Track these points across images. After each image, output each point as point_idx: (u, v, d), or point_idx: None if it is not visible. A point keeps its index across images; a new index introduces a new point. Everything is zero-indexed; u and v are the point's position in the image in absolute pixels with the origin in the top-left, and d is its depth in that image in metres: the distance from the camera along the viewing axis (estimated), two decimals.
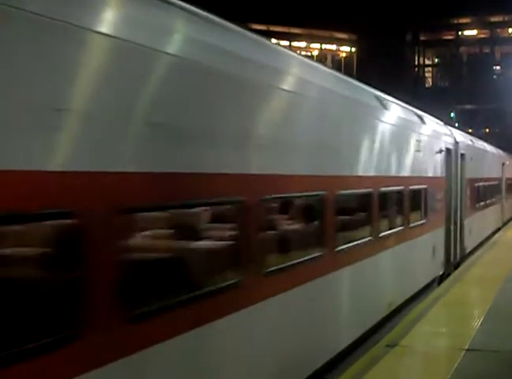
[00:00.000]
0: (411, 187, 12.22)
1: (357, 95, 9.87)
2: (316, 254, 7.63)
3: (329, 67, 11.44)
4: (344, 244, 8.62)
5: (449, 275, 15.71)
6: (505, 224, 30.39)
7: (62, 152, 3.78)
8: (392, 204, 11.38)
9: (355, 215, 9.70)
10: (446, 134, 16.58)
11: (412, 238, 12.50)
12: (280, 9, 56.99)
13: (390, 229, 11.01)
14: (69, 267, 3.82)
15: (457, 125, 44.00)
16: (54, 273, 3.82)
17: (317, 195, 7.76)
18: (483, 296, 12.55)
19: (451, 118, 59.55)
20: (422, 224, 13.36)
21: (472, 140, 22.12)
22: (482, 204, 23.09)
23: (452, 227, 16.97)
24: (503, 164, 30.34)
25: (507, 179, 31.81)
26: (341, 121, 8.78)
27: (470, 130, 50.08)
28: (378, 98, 10.84)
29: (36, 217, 3.60)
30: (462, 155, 18.23)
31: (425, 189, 13.51)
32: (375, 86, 11.49)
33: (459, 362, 8.22)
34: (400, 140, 11.91)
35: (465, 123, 57.93)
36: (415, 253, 12.91)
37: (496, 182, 27.58)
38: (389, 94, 12.16)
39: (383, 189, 10.35)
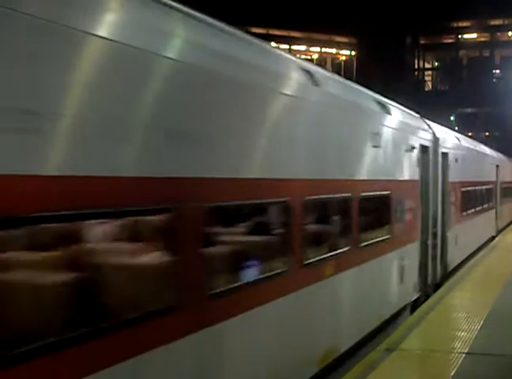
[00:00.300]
0: (364, 194, 9.36)
1: (262, 62, 6.76)
2: (168, 305, 4.78)
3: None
4: (233, 282, 5.80)
5: (427, 298, 13.08)
6: (500, 232, 28.34)
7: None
8: (328, 218, 8.61)
9: (256, 238, 6.58)
10: (420, 129, 13.60)
11: (365, 262, 9.48)
12: (280, 13, 57.02)
13: (325, 253, 8.07)
14: None
15: (457, 128, 44.14)
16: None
17: (161, 209, 4.81)
18: (482, 300, 12.53)
19: (451, 121, 59.60)
20: (383, 241, 10.42)
21: (458, 138, 19.46)
22: (471, 211, 20.33)
23: (430, 241, 14.04)
24: (497, 166, 28.16)
25: (502, 183, 29.62)
26: (229, 97, 5.86)
27: (470, 134, 50.22)
28: (306, 71, 7.89)
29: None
30: (445, 154, 15.72)
31: (388, 195, 10.70)
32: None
33: (459, 366, 8.21)
34: (344, 132, 8.94)
35: (465, 126, 58.03)
36: (368, 281, 9.75)
37: (489, 186, 25.27)
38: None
39: (312, 197, 7.54)
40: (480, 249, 21.69)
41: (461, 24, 69.46)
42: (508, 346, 9.12)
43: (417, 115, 14.02)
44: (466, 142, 21.62)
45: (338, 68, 66.00)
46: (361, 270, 9.28)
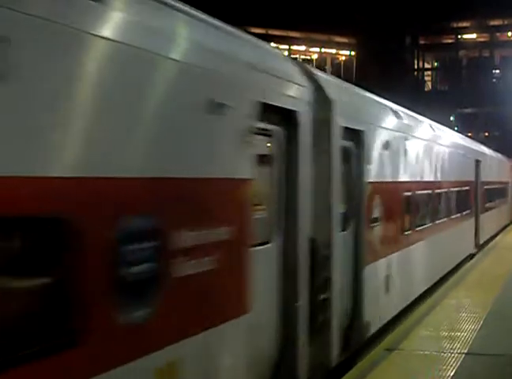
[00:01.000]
0: None
1: None
2: None
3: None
4: None
5: None
6: (481, 247, 21.80)
7: None
8: None
9: None
10: (271, 74, 6.53)
11: None
12: (280, 13, 57.07)
13: None
14: None
15: (456, 128, 44.20)
16: None
17: None
18: (481, 300, 12.53)
19: (451, 121, 59.68)
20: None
21: (393, 110, 11.89)
22: (427, 226, 13.95)
23: (304, 300, 7.10)
24: (478, 162, 21.59)
25: (485, 184, 23.16)
26: None
27: (470, 134, 50.28)
28: None
29: None
30: (354, 132, 9.14)
31: (94, 224, 3.79)
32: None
33: (458, 366, 8.22)
34: None
35: (465, 127, 58.11)
36: None
37: (464, 188, 19.01)
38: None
39: None
40: (444, 278, 15.41)
41: (460, 25, 69.54)
42: (507, 346, 9.13)
43: (267, 45, 7.90)
44: (413, 121, 13.72)
45: (338, 68, 66.05)
46: None
